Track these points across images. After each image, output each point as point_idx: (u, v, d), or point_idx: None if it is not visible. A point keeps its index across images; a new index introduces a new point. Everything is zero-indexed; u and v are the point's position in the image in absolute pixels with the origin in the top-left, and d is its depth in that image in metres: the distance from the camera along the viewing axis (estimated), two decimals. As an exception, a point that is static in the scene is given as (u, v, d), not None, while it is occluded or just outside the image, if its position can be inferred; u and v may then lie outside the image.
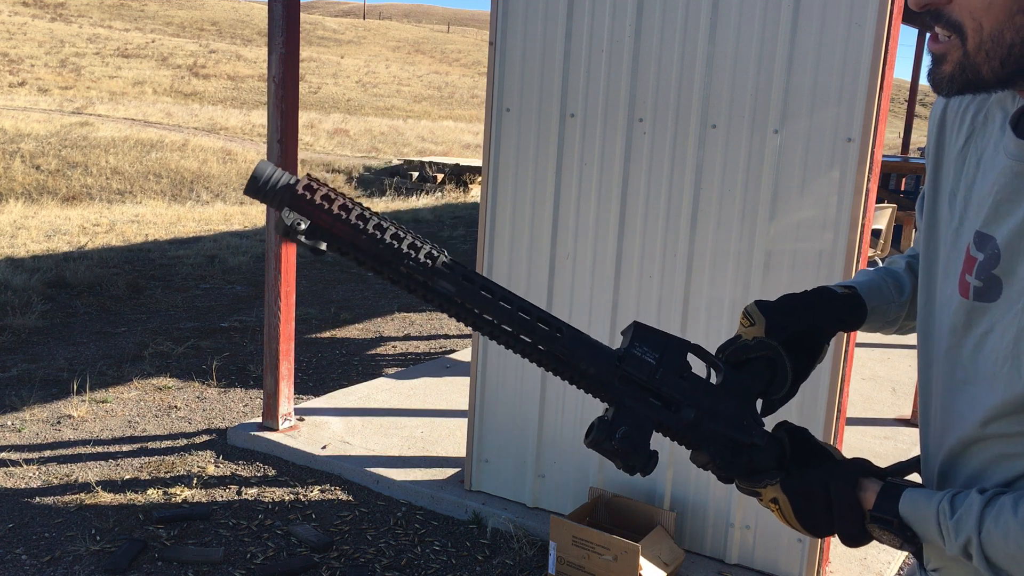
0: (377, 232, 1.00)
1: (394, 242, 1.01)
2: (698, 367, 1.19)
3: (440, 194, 17.30)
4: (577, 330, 1.08)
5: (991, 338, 0.98)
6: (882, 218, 7.59)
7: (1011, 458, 0.97)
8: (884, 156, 10.82)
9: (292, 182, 0.99)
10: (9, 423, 4.55)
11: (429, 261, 1.01)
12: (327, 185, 1.00)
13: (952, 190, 1.07)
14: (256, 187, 0.98)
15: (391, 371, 5.75)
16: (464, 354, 6.06)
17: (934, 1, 0.92)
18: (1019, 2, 0.86)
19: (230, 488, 3.94)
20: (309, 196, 0.98)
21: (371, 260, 1.01)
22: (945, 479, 1.07)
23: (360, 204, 1.01)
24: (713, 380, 1.16)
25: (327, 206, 0.98)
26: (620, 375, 1.09)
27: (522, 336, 1.05)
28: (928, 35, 0.97)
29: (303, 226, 0.97)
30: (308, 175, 1.00)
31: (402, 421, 4.70)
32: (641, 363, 1.09)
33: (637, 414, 1.08)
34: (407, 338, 6.69)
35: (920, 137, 25.15)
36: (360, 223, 1.00)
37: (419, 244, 1.01)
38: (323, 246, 0.99)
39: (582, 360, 1.07)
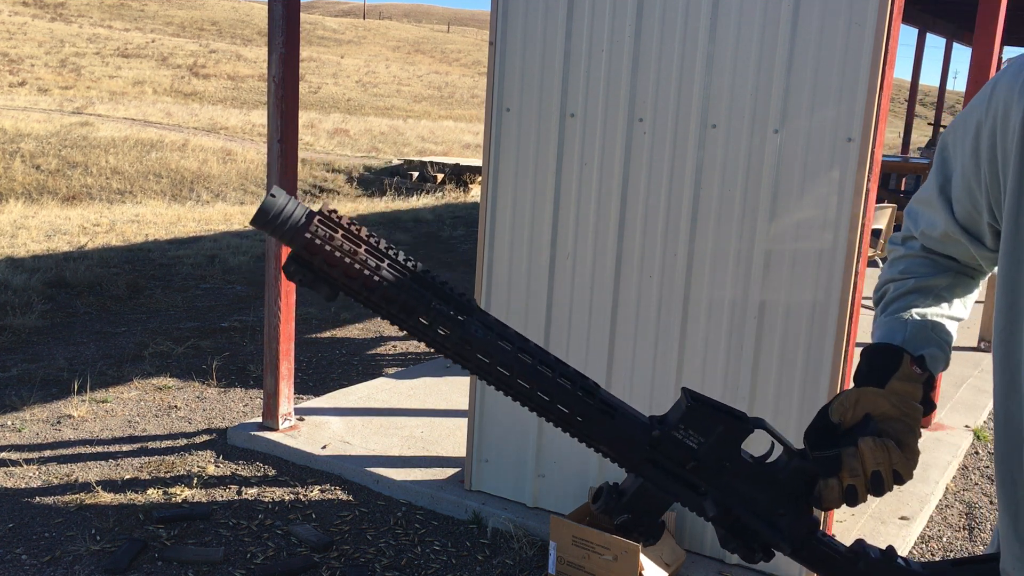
0: (389, 305, 0.91)
1: (407, 317, 0.92)
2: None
3: (440, 194, 17.30)
4: (609, 406, 0.98)
5: None
6: (882, 218, 7.59)
7: None
8: (884, 156, 10.82)
9: (303, 222, 0.88)
10: (9, 423, 4.55)
11: (442, 332, 0.92)
12: (343, 226, 0.89)
13: None
14: (264, 220, 0.88)
15: (391, 371, 5.75)
16: (464, 354, 6.05)
17: None
18: None
19: (230, 488, 3.94)
20: (313, 252, 0.88)
21: (387, 310, 0.93)
22: None
23: (384, 252, 0.91)
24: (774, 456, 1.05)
25: (342, 256, 0.88)
26: (648, 458, 1.01)
27: (556, 417, 0.97)
28: None
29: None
30: (322, 212, 0.89)
31: (402, 421, 4.70)
32: (678, 449, 1.00)
33: (652, 498, 1.01)
34: (407, 338, 6.69)
35: (920, 137, 25.14)
36: (376, 288, 0.90)
37: (440, 312, 0.92)
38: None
39: (606, 442, 0.99)
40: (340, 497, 3.90)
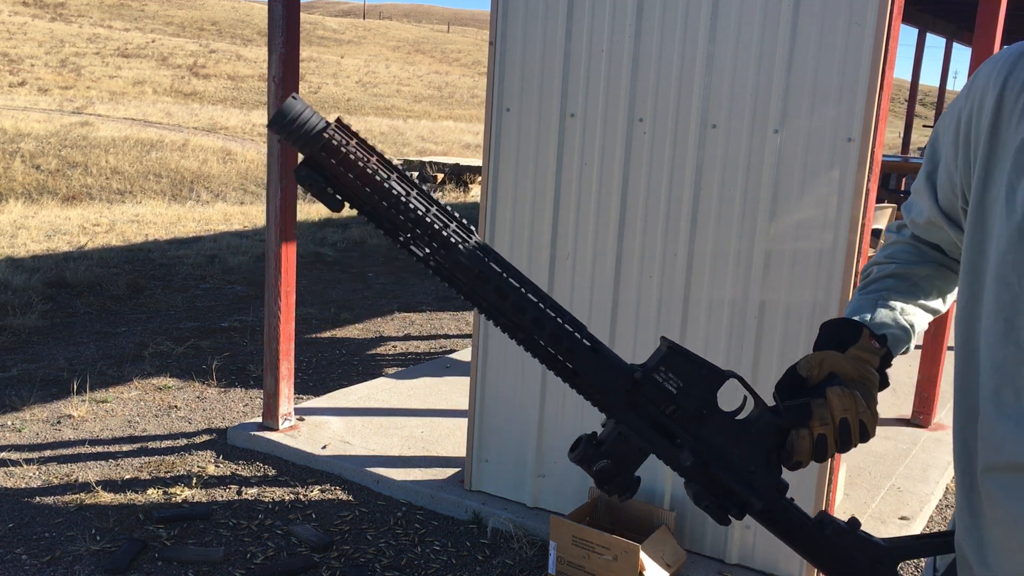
0: (404, 207, 0.93)
1: (419, 221, 0.94)
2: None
3: (440, 194, 17.30)
4: (596, 343, 1.00)
5: None
6: (882, 218, 7.59)
7: None
8: (884, 156, 10.82)
9: (318, 130, 0.90)
10: (9, 423, 4.55)
11: (443, 251, 0.95)
12: (357, 135, 0.92)
13: (1011, 182, 0.98)
14: (281, 123, 0.90)
15: (391, 371, 5.75)
16: (464, 354, 6.06)
17: None
18: None
19: (230, 488, 3.94)
20: (328, 156, 0.90)
21: (389, 230, 0.95)
22: (995, 496, 1.01)
23: (391, 167, 0.93)
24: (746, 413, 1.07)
25: (347, 170, 0.91)
26: (629, 402, 1.02)
27: (543, 346, 0.98)
28: None
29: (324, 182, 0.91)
30: (339, 122, 0.92)
31: (402, 421, 4.70)
32: (658, 392, 1.01)
33: (630, 445, 1.02)
34: (407, 338, 6.69)
35: (920, 137, 25.13)
36: (388, 195, 0.92)
37: (435, 231, 0.94)
38: (340, 198, 0.92)
39: (588, 381, 1.01)
40: (340, 497, 3.90)
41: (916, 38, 12.90)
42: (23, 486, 3.88)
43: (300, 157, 0.94)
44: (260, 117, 25.02)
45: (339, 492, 3.94)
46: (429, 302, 7.89)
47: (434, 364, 5.89)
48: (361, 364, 5.92)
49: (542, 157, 3.47)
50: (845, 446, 1.07)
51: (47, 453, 4.23)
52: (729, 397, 1.05)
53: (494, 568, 3.39)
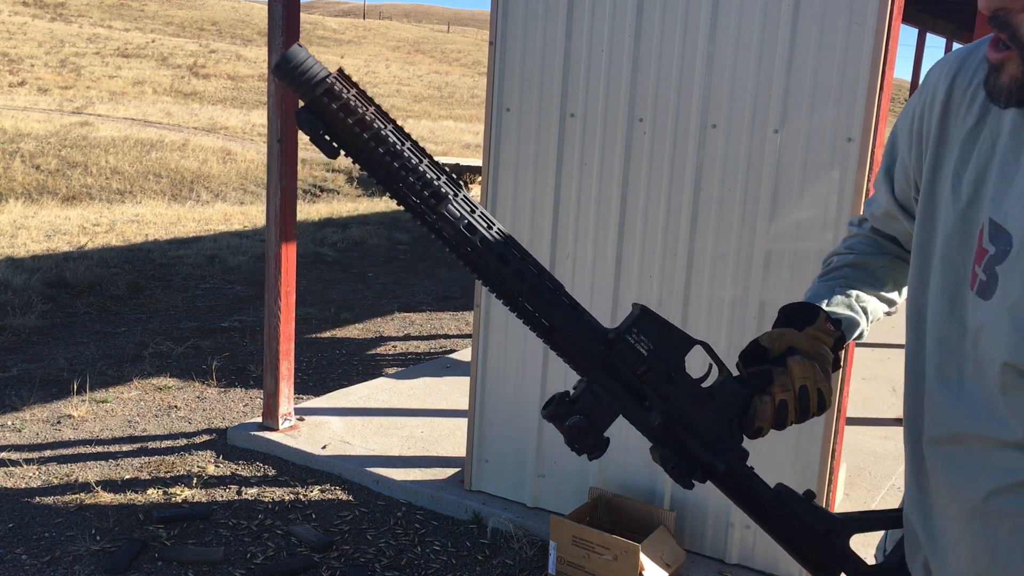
0: (399, 155, 0.97)
1: (406, 174, 0.98)
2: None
3: (440, 194, 17.29)
4: (574, 302, 1.04)
5: (984, 338, 0.96)
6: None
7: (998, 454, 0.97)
8: (884, 156, 10.78)
9: (321, 77, 0.94)
10: (9, 423, 4.55)
11: (432, 200, 0.98)
12: (356, 87, 0.96)
13: (957, 171, 1.02)
14: (286, 69, 0.93)
15: (391, 371, 5.75)
16: (464, 354, 6.06)
17: (1007, 7, 0.88)
18: None
19: (230, 488, 3.94)
20: (330, 101, 0.94)
21: (381, 180, 0.99)
22: (937, 467, 1.05)
23: (385, 119, 0.97)
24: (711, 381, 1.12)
25: (347, 115, 0.95)
26: (601, 360, 1.06)
27: (521, 301, 1.02)
28: (990, 39, 0.94)
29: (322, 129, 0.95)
30: (340, 71, 0.96)
31: (402, 421, 4.70)
32: (630, 353, 1.05)
33: (601, 404, 1.06)
34: (407, 338, 6.69)
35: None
36: (378, 143, 0.96)
37: (428, 180, 0.97)
38: (336, 145, 0.96)
39: (565, 336, 1.04)
40: (340, 497, 3.90)
41: (916, 38, 12.89)
42: (23, 486, 3.88)
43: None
44: (260, 117, 25.01)
45: (339, 492, 3.94)
46: (429, 302, 7.89)
47: (434, 364, 5.89)
48: (361, 364, 5.92)
49: (542, 157, 3.47)
50: (804, 414, 1.12)
51: (47, 453, 4.23)
52: (701, 371, 1.09)
53: (494, 568, 3.39)
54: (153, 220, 11.57)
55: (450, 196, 0.99)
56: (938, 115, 1.06)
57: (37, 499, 3.76)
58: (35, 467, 4.06)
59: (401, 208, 1.02)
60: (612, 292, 3.41)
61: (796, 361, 1.11)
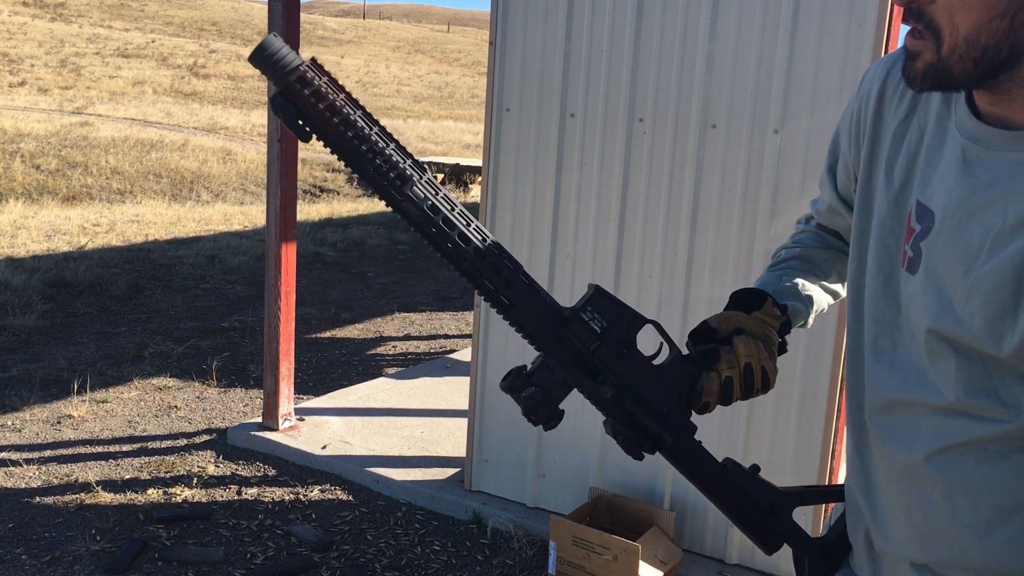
0: (367, 139, 1.02)
1: (374, 157, 1.03)
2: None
3: (440, 194, 17.29)
4: (532, 281, 1.09)
5: (912, 309, 1.04)
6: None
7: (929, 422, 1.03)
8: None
9: (295, 65, 0.99)
10: (9, 423, 4.55)
11: (398, 182, 1.03)
12: (328, 75, 1.01)
13: (890, 160, 1.11)
14: (261, 57, 0.98)
15: (391, 371, 5.75)
16: (464, 354, 6.06)
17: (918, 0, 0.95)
18: (996, 8, 0.89)
19: (230, 488, 3.94)
20: (302, 87, 0.99)
21: (351, 164, 1.03)
22: (876, 436, 1.11)
23: (355, 105, 1.02)
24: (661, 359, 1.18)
25: (318, 101, 1.00)
26: (556, 336, 1.11)
27: (481, 278, 1.07)
28: (908, 30, 1.01)
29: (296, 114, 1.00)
30: (313, 60, 1.01)
31: (402, 421, 4.70)
32: (584, 330, 1.11)
33: (555, 377, 1.11)
34: (407, 338, 6.69)
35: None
36: (347, 128, 1.01)
37: (394, 162, 1.03)
38: (308, 130, 1.01)
39: (523, 313, 1.09)
40: (340, 497, 3.90)
41: (916, 38, 12.89)
42: (23, 486, 3.88)
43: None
44: (260, 117, 25.02)
45: (339, 492, 3.95)
46: (429, 302, 7.90)
47: (434, 364, 5.89)
48: (361, 364, 5.92)
49: (542, 157, 3.47)
50: (749, 391, 1.18)
51: (47, 453, 4.23)
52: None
53: (494, 568, 3.39)
54: (153, 220, 11.57)
55: (415, 178, 1.03)
56: (872, 111, 1.15)
57: (37, 499, 3.76)
58: (35, 467, 4.06)
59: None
60: (612, 292, 3.41)
61: (742, 340, 1.18)
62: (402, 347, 6.44)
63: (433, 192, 1.05)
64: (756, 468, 1.22)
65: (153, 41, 45.38)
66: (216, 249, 9.41)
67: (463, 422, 4.16)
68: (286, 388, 4.43)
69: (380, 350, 6.33)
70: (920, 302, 1.02)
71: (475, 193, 17.20)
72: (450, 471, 4.06)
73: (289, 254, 4.28)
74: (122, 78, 34.18)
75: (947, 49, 0.93)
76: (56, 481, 3.94)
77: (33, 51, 37.41)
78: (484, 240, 1.06)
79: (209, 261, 8.80)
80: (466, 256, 1.06)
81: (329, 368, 5.79)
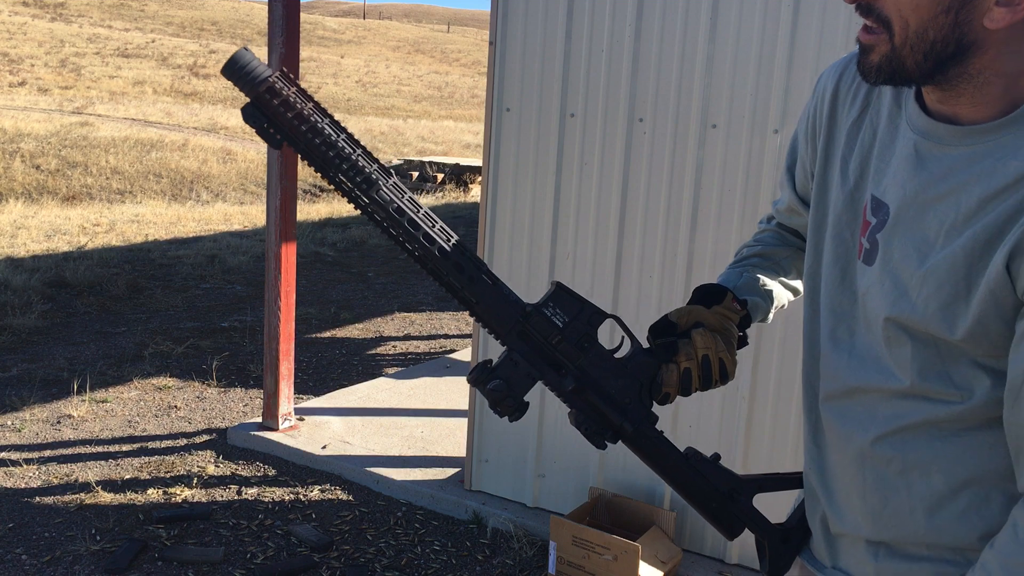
0: (333, 145, 1.05)
1: (341, 162, 1.06)
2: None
3: (440, 194, 17.31)
4: (495, 279, 1.13)
5: (868, 299, 1.08)
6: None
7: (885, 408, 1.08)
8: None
9: (263, 76, 1.03)
10: (9, 423, 4.55)
11: (365, 186, 1.07)
12: (297, 86, 1.04)
13: (844, 157, 1.15)
14: (232, 69, 1.02)
15: (391, 371, 5.75)
16: (464, 354, 6.06)
17: None
18: (942, 4, 0.93)
19: (230, 488, 3.94)
20: (271, 97, 1.03)
21: (320, 169, 1.07)
22: (832, 422, 1.15)
23: (323, 114, 1.05)
24: (623, 352, 1.21)
25: (286, 110, 1.04)
26: (520, 331, 1.15)
27: (446, 276, 1.11)
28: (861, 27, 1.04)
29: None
30: (282, 71, 1.04)
31: (402, 421, 4.70)
32: (546, 324, 1.15)
33: (519, 370, 1.15)
34: (407, 338, 6.69)
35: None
36: (315, 135, 1.05)
37: (360, 167, 1.06)
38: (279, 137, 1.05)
39: (487, 309, 1.13)
40: (340, 497, 3.90)
41: (916, 38, 12.89)
42: (23, 486, 3.88)
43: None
44: (260, 117, 24.95)
45: (339, 492, 3.95)
46: (429, 302, 7.90)
47: (434, 364, 5.89)
48: (361, 364, 5.92)
49: (542, 157, 3.47)
50: (707, 382, 1.22)
51: (47, 453, 4.23)
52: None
53: (494, 568, 3.39)
54: (153, 220, 11.57)
55: (380, 182, 1.07)
56: (827, 111, 1.19)
57: (37, 499, 3.76)
58: (35, 467, 4.06)
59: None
60: (612, 292, 3.42)
61: (700, 333, 1.22)
62: (402, 347, 6.44)
63: (399, 195, 1.08)
64: (717, 456, 1.25)
65: (153, 41, 45.38)
66: (216, 249, 9.42)
67: (463, 422, 4.16)
68: (286, 388, 4.43)
69: (380, 350, 6.33)
70: (877, 291, 1.06)
71: (475, 193, 17.20)
72: (450, 471, 4.06)
73: (289, 254, 4.28)
74: (122, 78, 34.18)
75: (899, 40, 0.97)
76: (56, 481, 3.94)
77: (33, 51, 37.41)
78: (448, 240, 1.10)
79: (209, 261, 8.80)
80: (431, 255, 1.10)
81: (329, 368, 5.79)
